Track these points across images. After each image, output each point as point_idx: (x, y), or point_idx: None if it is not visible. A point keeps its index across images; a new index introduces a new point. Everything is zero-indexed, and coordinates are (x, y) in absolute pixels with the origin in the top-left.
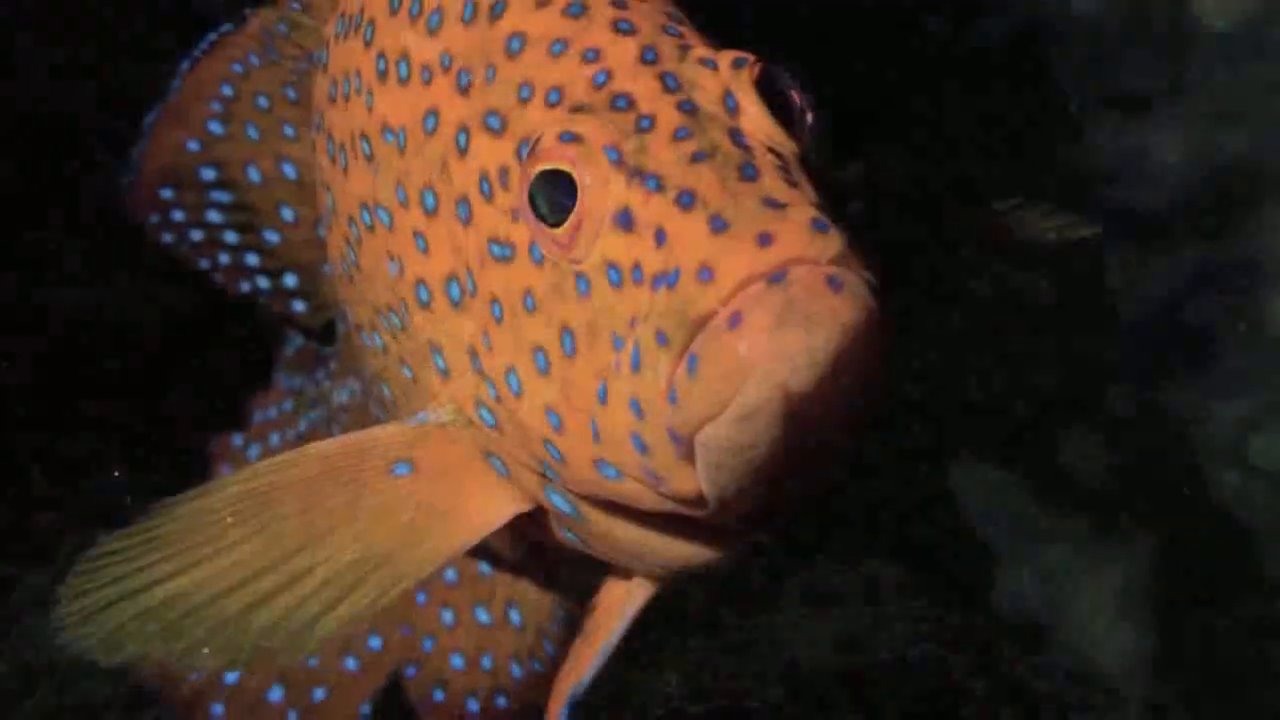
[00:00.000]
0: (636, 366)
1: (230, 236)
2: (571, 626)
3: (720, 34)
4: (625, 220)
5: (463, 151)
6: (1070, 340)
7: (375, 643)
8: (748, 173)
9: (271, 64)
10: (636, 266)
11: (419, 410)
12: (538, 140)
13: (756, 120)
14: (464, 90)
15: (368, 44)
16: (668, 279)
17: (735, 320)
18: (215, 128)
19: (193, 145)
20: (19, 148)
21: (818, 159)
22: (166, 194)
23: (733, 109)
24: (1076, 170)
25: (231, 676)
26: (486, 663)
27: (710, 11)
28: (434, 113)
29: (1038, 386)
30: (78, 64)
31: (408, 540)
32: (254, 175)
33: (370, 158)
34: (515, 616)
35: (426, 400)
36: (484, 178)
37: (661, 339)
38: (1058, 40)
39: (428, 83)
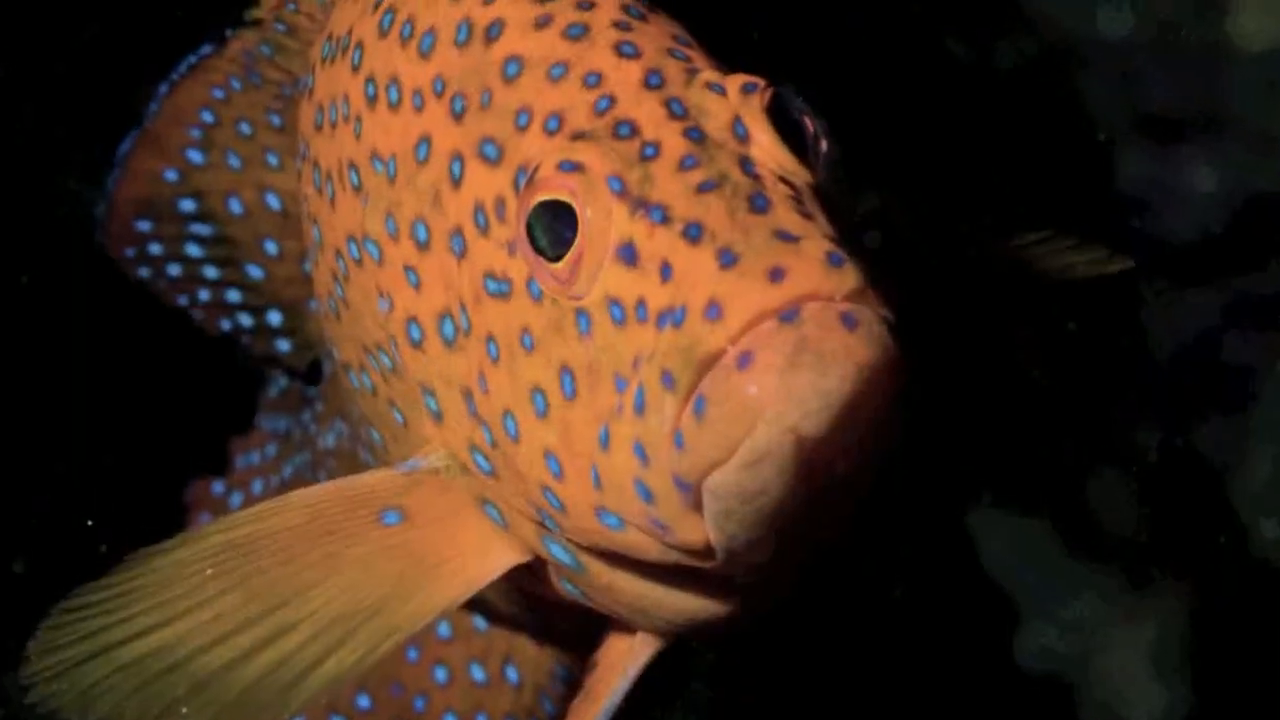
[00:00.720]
0: (641, 409)
1: (210, 271)
2: (571, 684)
3: (730, 57)
4: (629, 254)
5: (456, 181)
6: (1098, 379)
7: (364, 702)
8: (758, 203)
9: (254, 88)
10: (640, 303)
11: (410, 455)
12: (536, 169)
13: (767, 148)
14: (458, 117)
15: (356, 68)
16: (674, 316)
17: (745, 360)
18: (194, 156)
19: (170, 175)
20: None
21: (832, 189)
22: (142, 226)
23: (742, 136)
24: (1105, 200)
25: None
26: None
27: (719, 34)
28: (426, 140)
29: (1064, 428)
30: (46, 81)
31: (398, 593)
32: (236, 207)
33: (359, 188)
34: (512, 674)
35: (418, 445)
36: (479, 209)
37: (667, 380)
38: (1084, 64)
39: (420, 109)
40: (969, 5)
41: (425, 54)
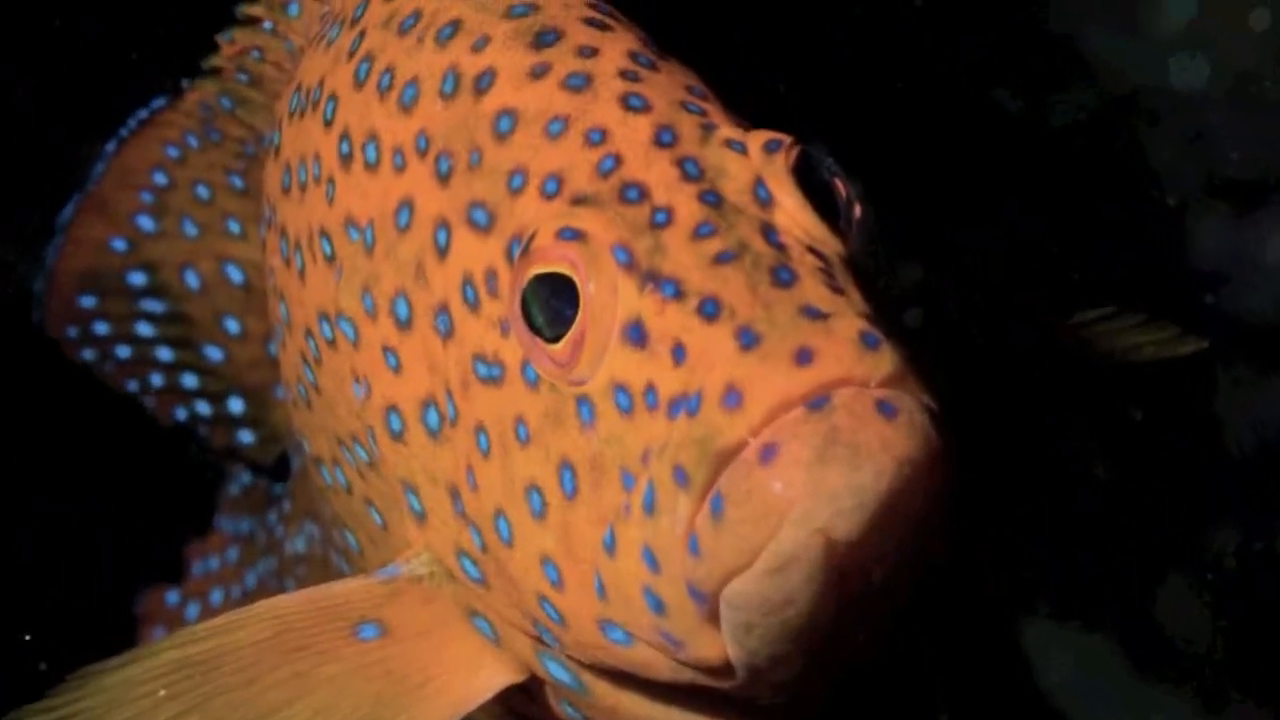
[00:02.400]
0: (650, 509)
1: (164, 354)
2: None
3: (751, 111)
4: (637, 334)
5: (442, 251)
6: (1167, 475)
7: None
8: (783, 276)
9: (213, 146)
10: (650, 389)
11: (390, 561)
12: (532, 238)
13: (793, 214)
14: (444, 178)
15: (328, 123)
16: (688, 404)
17: (768, 454)
18: (145, 223)
19: (118, 244)
20: None
21: (867, 260)
22: (87, 303)
23: (765, 201)
24: (1176, 273)
25: None
26: None
27: (739, 85)
28: (408, 205)
29: (1129, 530)
30: None
31: (376, 717)
32: (192, 280)
33: (331, 259)
34: None
35: (399, 549)
36: (468, 283)
37: (680, 476)
38: (1153, 119)
39: (400, 169)
40: (1021, 55)
41: (407, 107)
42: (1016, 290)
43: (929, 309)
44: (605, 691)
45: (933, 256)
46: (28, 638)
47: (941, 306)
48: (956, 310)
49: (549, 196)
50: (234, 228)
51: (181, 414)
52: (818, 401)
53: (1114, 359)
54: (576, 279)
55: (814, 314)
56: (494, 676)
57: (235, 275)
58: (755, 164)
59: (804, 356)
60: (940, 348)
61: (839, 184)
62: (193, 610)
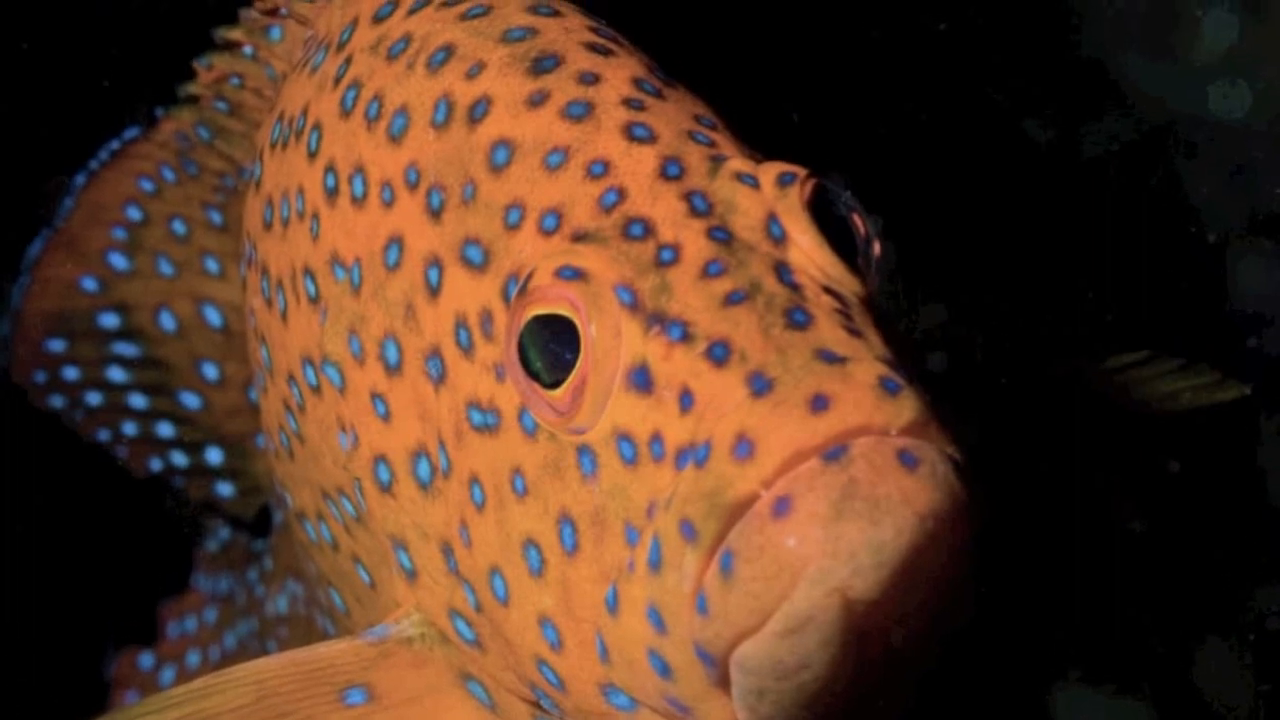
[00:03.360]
0: (656, 566)
1: (137, 401)
2: None
3: (764, 141)
4: (642, 379)
5: (434, 291)
6: (1206, 530)
7: None
8: (797, 318)
9: (189, 179)
10: (656, 438)
11: (378, 622)
12: (529, 277)
13: (809, 251)
14: (435, 213)
15: (312, 154)
16: (696, 454)
17: (782, 507)
18: (118, 261)
19: (89, 284)
20: None
21: (886, 301)
22: (55, 346)
23: (778, 237)
24: (1216, 314)
25: None
26: None
27: (750, 113)
28: (397, 242)
29: (1165, 589)
30: None
31: None
32: (167, 322)
33: (316, 300)
34: None
35: (388, 609)
36: (461, 325)
37: (688, 531)
38: (1191, 151)
39: (389, 204)
40: (1051, 82)
41: (396, 137)
42: (1046, 333)
43: (953, 353)
44: None
45: (957, 297)
46: None
47: (966, 351)
48: (982, 355)
49: (548, 233)
50: (212, 266)
51: (156, 465)
52: (834, 452)
53: (1150, 406)
54: (577, 321)
55: (830, 358)
56: None
57: (213, 317)
58: (768, 198)
59: (820, 403)
60: (965, 394)
61: (857, 220)
62: (168, 674)
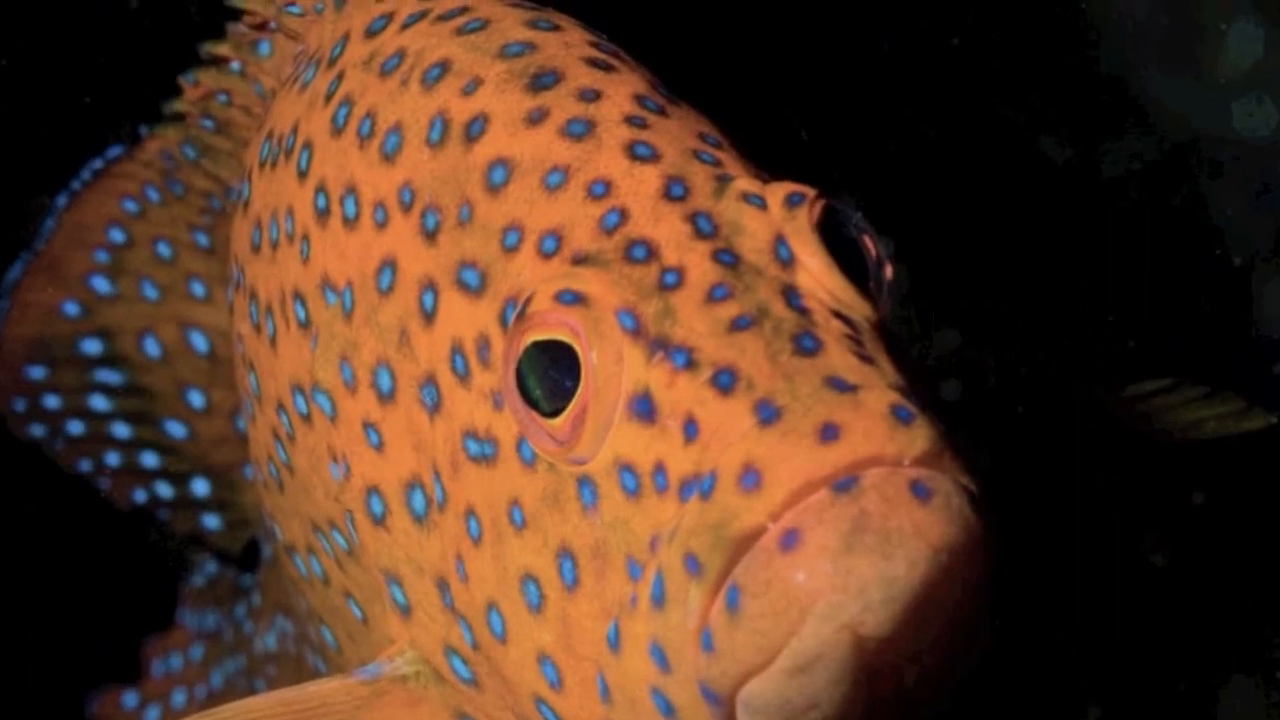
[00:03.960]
0: (659, 601)
1: (121, 430)
2: None
3: (771, 159)
4: (645, 408)
5: (429, 316)
6: (1232, 564)
7: None
8: (806, 344)
9: (175, 200)
10: (659, 469)
11: (371, 659)
12: (528, 301)
13: (818, 275)
14: (430, 235)
15: (303, 174)
16: (701, 486)
17: (790, 540)
18: (101, 285)
19: (70, 308)
20: None
21: (898, 326)
22: (36, 373)
23: (787, 260)
24: (1242, 340)
25: None
26: None
27: (756, 131)
28: (391, 265)
29: (1189, 625)
30: None
31: None
32: (152, 349)
33: (306, 325)
34: None
35: (381, 646)
36: (457, 351)
37: (692, 565)
38: (1215, 170)
39: (382, 225)
40: (1069, 99)
41: (390, 156)
42: (1065, 360)
43: (968, 380)
44: None
45: (972, 322)
46: None
47: (981, 378)
48: (998, 382)
49: (547, 255)
50: (198, 290)
51: (140, 496)
52: (845, 483)
53: (1173, 435)
54: (577, 347)
55: (840, 386)
56: None
57: (200, 343)
58: (775, 220)
59: (829, 433)
60: (980, 423)
61: (868, 242)
62: (153, 714)
